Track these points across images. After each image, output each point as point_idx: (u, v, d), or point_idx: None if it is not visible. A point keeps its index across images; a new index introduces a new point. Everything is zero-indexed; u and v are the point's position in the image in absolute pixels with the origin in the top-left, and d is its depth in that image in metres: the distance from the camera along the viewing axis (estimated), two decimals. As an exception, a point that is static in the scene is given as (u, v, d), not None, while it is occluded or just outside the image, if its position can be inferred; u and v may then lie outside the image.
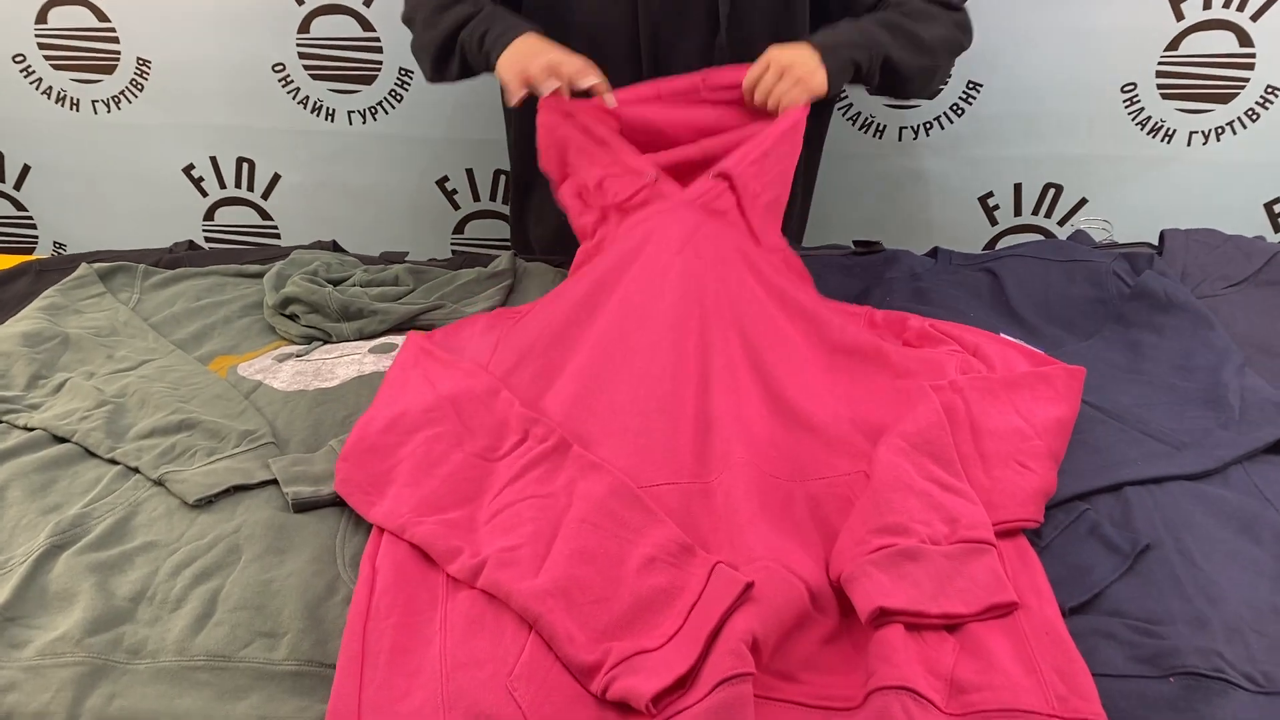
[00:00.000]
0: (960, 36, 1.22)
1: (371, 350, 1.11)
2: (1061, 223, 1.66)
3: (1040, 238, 1.66)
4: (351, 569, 0.81)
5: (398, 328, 1.17)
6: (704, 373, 0.92)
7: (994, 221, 1.69)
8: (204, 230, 1.87)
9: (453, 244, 1.86)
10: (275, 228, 1.86)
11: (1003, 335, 1.09)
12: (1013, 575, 0.74)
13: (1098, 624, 0.72)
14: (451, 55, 1.21)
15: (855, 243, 1.32)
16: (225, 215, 1.86)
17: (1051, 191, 1.65)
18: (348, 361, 1.09)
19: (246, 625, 0.75)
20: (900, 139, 1.63)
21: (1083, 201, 1.64)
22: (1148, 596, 0.74)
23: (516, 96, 1.10)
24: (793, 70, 1.07)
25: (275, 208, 1.84)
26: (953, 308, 1.16)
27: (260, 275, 1.30)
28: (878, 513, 0.77)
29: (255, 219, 1.85)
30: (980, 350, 0.98)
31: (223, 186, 1.83)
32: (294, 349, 1.14)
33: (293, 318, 1.18)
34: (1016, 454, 0.85)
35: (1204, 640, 0.70)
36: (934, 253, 1.32)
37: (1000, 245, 1.70)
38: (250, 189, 1.83)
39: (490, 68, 1.15)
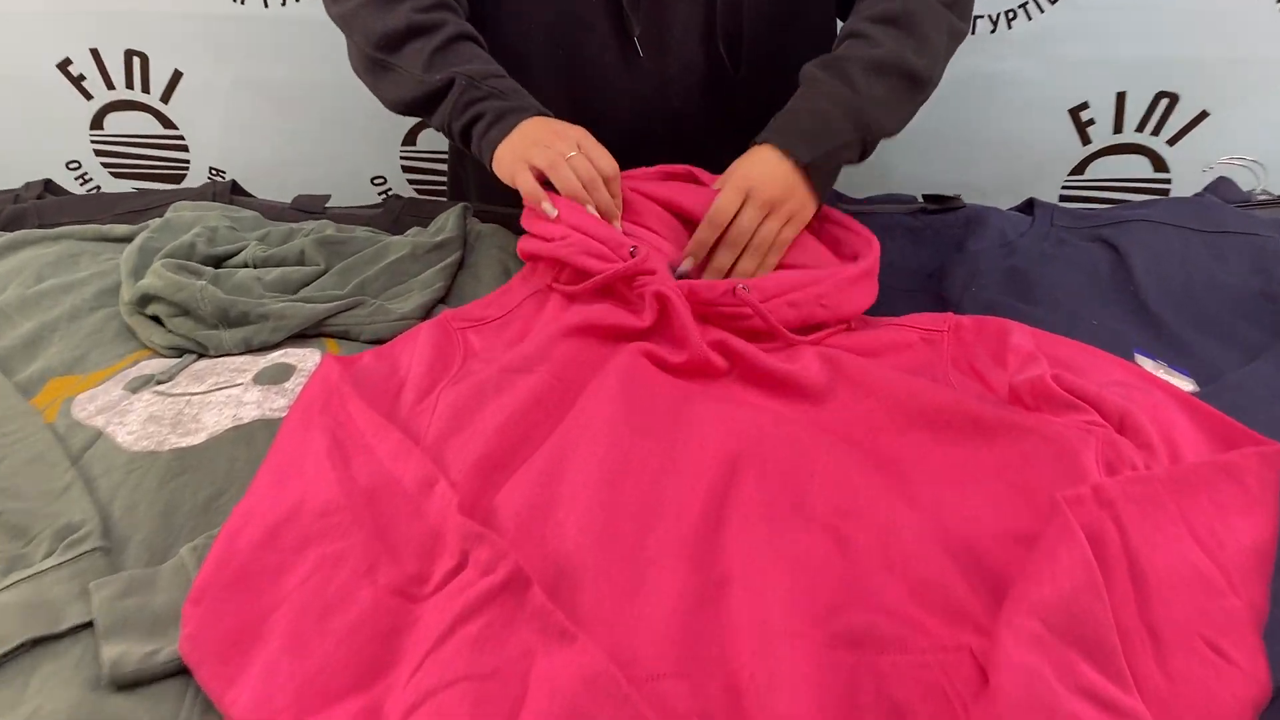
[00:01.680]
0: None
1: (256, 380, 0.80)
2: (1172, 142, 1.30)
3: (1145, 162, 1.31)
4: (191, 807, 0.53)
5: (299, 335, 0.85)
6: (718, 492, 0.63)
7: (1086, 140, 1.34)
8: (92, 141, 1.51)
9: (402, 158, 1.51)
10: (181, 138, 1.50)
11: (1141, 359, 0.78)
12: None
13: None
14: (432, 108, 0.92)
15: (925, 197, 0.99)
16: (117, 123, 1.50)
17: (1164, 103, 1.28)
18: (220, 401, 0.78)
19: None
20: (974, 31, 1.26)
21: (1202, 115, 1.28)
22: None
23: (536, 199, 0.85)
24: (781, 207, 0.85)
25: (178, 113, 1.48)
26: (1067, 309, 0.85)
27: (129, 239, 0.98)
28: (1006, 763, 0.48)
29: (155, 127, 1.49)
30: (1128, 420, 0.66)
31: (110, 87, 1.46)
32: (155, 367, 0.83)
33: (157, 319, 0.86)
34: (1203, 625, 0.55)
35: None
36: (1028, 206, 0.99)
37: (1092, 170, 1.35)
38: (145, 90, 1.46)
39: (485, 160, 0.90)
